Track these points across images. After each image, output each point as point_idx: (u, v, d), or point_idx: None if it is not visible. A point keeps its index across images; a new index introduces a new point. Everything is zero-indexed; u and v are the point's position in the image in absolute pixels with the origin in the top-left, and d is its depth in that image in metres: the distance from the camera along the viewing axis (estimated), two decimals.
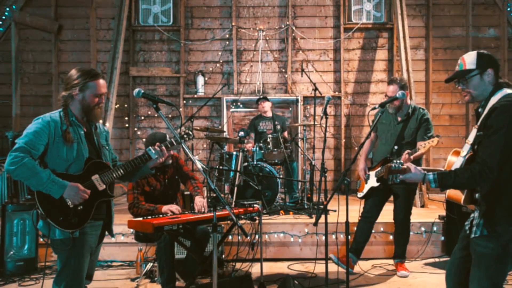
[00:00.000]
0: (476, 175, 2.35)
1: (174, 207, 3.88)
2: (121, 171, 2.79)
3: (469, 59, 2.52)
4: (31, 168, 2.49)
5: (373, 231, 5.06)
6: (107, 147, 2.90)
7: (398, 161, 2.56)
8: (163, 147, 2.91)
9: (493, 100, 2.43)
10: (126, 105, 7.91)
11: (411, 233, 5.10)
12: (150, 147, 2.88)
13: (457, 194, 2.60)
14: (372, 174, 4.45)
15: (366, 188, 4.50)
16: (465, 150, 2.56)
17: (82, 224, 2.64)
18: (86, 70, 2.76)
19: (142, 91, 2.72)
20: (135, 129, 7.99)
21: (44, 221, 2.61)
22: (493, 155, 2.32)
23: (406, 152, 4.02)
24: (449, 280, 2.69)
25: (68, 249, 2.61)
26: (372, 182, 4.41)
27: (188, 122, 6.24)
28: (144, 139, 7.88)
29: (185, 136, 3.08)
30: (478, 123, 2.47)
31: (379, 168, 4.36)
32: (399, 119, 4.46)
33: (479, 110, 2.52)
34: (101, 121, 2.93)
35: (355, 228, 4.55)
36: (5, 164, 2.50)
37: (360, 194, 4.61)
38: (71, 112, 2.73)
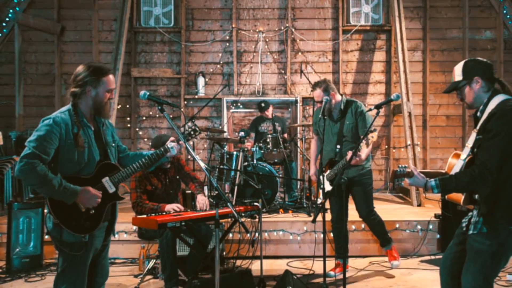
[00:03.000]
0: (476, 178, 2.43)
1: (177, 206, 4.01)
2: (130, 171, 2.78)
3: (457, 71, 2.63)
4: (42, 175, 2.44)
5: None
6: (113, 144, 2.86)
7: (402, 166, 2.66)
8: (183, 143, 2.89)
9: (492, 105, 2.52)
10: (128, 106, 8.02)
11: (407, 231, 5.23)
12: (172, 145, 2.85)
13: (457, 195, 2.68)
14: (324, 177, 4.32)
15: (323, 193, 4.28)
16: (464, 153, 2.64)
17: (95, 228, 2.63)
18: (97, 66, 2.70)
19: (148, 93, 2.80)
20: (137, 129, 8.10)
21: (56, 225, 2.57)
22: (492, 157, 2.41)
23: (348, 152, 3.91)
24: (443, 273, 2.79)
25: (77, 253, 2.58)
26: (326, 186, 4.32)
27: (189, 122, 6.34)
28: (145, 139, 8.04)
29: (192, 132, 3.06)
30: (478, 127, 2.56)
31: (328, 171, 4.28)
32: (335, 118, 4.39)
33: (478, 114, 2.62)
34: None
35: (332, 234, 4.59)
36: (15, 170, 2.46)
37: (318, 200, 4.52)
38: (81, 112, 2.67)
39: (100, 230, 2.73)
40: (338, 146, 4.27)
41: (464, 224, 2.69)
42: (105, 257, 2.87)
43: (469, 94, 2.60)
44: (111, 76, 2.71)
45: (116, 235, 5.01)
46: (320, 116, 4.35)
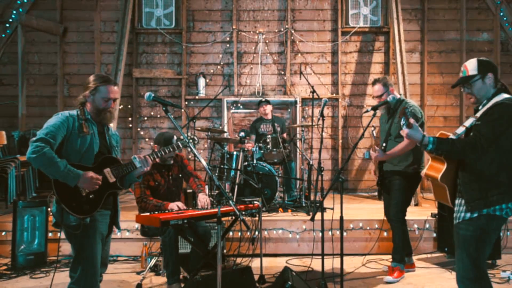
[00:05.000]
0: (468, 145, 2.65)
1: (180, 204, 4.11)
2: (131, 167, 3.00)
3: (471, 66, 2.81)
4: (50, 157, 2.69)
5: (368, 227, 5.31)
6: (116, 148, 3.11)
7: (412, 109, 2.69)
8: (148, 157, 3.09)
9: (495, 100, 2.73)
10: (129, 106, 8.12)
11: None
12: (135, 156, 3.06)
13: (435, 171, 2.85)
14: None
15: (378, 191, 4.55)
16: (459, 132, 2.83)
17: (93, 211, 2.84)
18: (101, 75, 3.01)
19: (153, 95, 2.91)
20: (138, 129, 8.20)
21: (58, 206, 2.80)
22: (489, 134, 2.63)
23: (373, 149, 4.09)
24: None
25: (79, 234, 2.79)
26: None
27: (191, 123, 6.44)
28: (146, 139, 8.14)
29: (191, 140, 3.36)
30: (479, 114, 2.75)
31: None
32: (388, 116, 4.48)
33: (479, 108, 2.80)
34: (111, 125, 3.13)
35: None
36: (27, 153, 2.69)
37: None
38: (87, 111, 2.96)
39: (103, 217, 2.94)
40: (384, 144, 4.31)
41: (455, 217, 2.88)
42: (106, 250, 3.07)
43: (481, 88, 2.79)
44: (111, 87, 2.96)
45: (119, 233, 5.13)
46: (382, 112, 4.51)
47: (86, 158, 2.86)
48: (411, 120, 2.74)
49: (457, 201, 2.83)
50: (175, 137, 4.32)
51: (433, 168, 2.90)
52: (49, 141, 2.73)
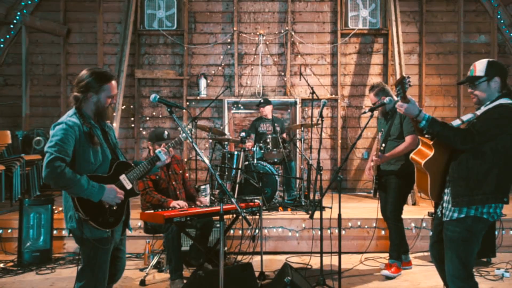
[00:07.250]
0: (459, 134, 2.68)
1: (182, 203, 4.23)
2: (141, 169, 2.94)
3: (480, 67, 2.83)
4: (71, 177, 2.56)
5: (366, 226, 5.42)
6: (118, 145, 3.01)
7: (409, 80, 2.71)
8: (170, 148, 3.07)
9: (499, 102, 2.76)
10: (131, 106, 8.23)
11: None
12: (159, 150, 3.02)
13: (421, 157, 2.87)
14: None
15: (374, 189, 4.60)
16: (454, 124, 2.87)
17: (118, 223, 2.78)
18: (100, 72, 2.80)
19: (158, 97, 3.00)
20: (140, 129, 8.30)
21: (81, 223, 2.65)
22: (484, 129, 2.66)
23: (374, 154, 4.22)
24: (434, 262, 3.11)
25: (95, 244, 2.67)
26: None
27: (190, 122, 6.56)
28: None
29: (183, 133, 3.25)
30: (479, 112, 2.79)
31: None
32: (387, 118, 4.56)
33: (482, 108, 2.83)
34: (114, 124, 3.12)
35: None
36: (44, 175, 2.56)
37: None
38: (86, 114, 2.78)
39: (119, 225, 2.89)
40: (383, 145, 4.44)
41: (439, 211, 2.97)
42: (123, 251, 3.03)
43: (485, 90, 2.81)
44: (113, 82, 2.82)
45: (130, 231, 5.23)
46: (379, 116, 4.67)
47: (101, 168, 2.75)
48: (408, 96, 2.74)
49: (445, 197, 2.88)
50: (166, 132, 4.50)
51: (420, 153, 2.89)
52: (64, 159, 2.57)
